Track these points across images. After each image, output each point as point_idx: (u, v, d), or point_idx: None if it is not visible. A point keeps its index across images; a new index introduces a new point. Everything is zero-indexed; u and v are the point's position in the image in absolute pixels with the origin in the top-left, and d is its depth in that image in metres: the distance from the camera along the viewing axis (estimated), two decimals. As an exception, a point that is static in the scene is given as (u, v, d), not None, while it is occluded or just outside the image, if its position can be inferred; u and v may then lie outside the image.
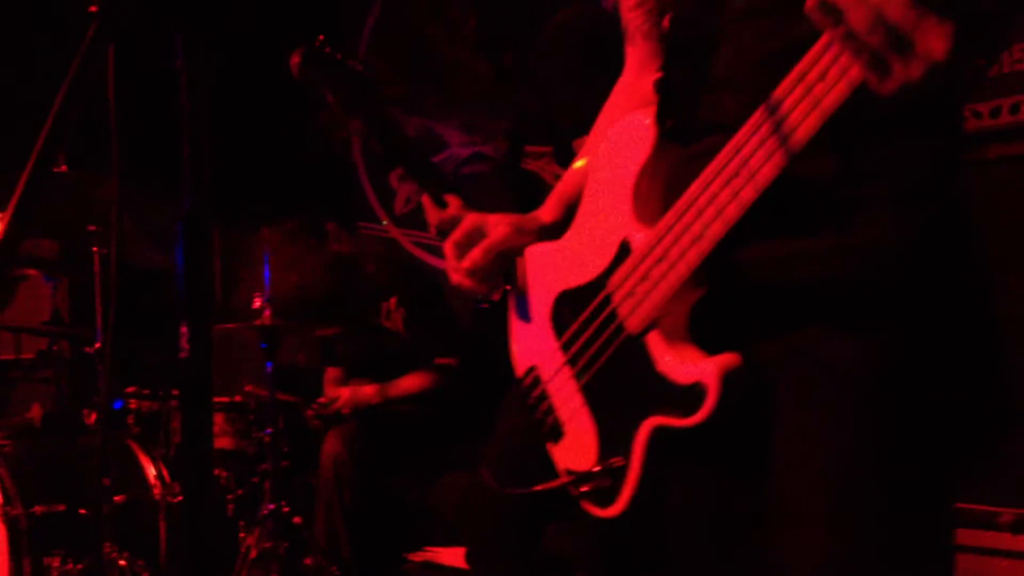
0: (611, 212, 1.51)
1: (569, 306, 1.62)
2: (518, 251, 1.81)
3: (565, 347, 1.63)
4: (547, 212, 1.85)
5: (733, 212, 1.28)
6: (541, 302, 1.72)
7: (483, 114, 5.52)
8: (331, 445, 4.23)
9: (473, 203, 1.91)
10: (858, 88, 1.10)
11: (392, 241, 5.93)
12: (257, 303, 4.26)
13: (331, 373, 4.82)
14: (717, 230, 1.30)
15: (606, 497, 1.55)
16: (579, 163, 1.88)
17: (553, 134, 3.40)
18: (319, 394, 4.70)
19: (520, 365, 1.79)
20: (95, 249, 3.70)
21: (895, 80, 1.05)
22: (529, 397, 1.74)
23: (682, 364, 1.39)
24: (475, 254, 1.77)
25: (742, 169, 1.25)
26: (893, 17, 1.01)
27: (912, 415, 1.32)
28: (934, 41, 1.00)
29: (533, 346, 1.74)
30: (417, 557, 4.23)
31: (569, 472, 1.64)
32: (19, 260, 3.98)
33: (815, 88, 1.15)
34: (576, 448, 1.63)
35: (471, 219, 1.80)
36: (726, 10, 1.41)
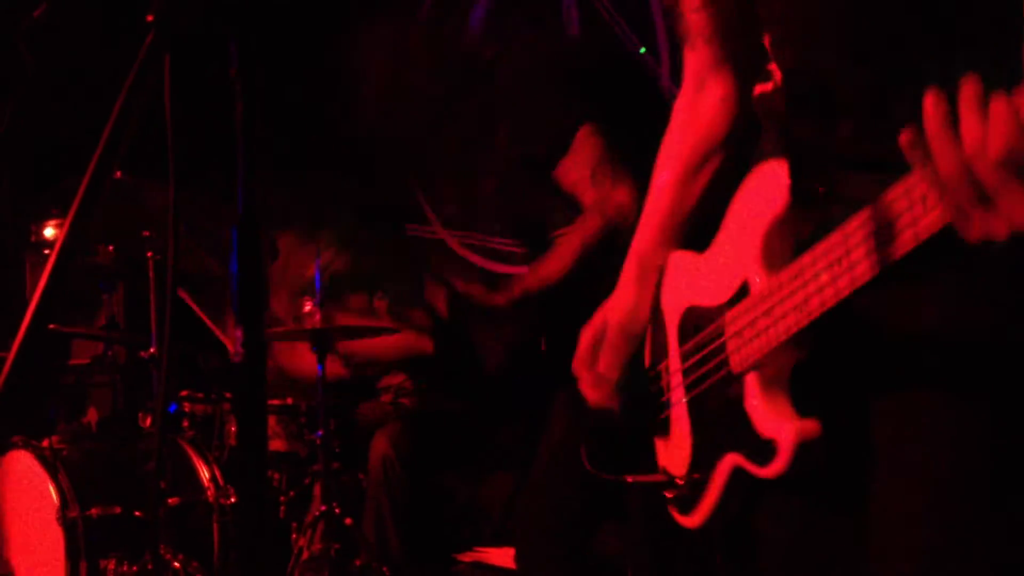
0: (741, 250, 1.52)
1: (693, 323, 1.64)
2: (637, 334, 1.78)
3: (684, 358, 1.65)
4: (625, 290, 1.79)
5: (830, 296, 1.28)
6: (673, 308, 1.72)
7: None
8: (379, 446, 4.23)
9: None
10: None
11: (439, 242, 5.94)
12: (307, 307, 4.29)
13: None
14: (814, 306, 1.30)
15: (688, 506, 1.59)
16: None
17: (534, 173, 3.33)
18: (369, 398, 4.71)
19: (649, 359, 1.78)
20: (150, 255, 3.75)
21: (978, 231, 1.03)
22: (651, 388, 1.74)
23: (765, 415, 1.42)
24: (604, 355, 1.75)
25: (844, 259, 1.24)
26: (979, 174, 1.00)
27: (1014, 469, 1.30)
28: (1017, 207, 0.99)
29: (661, 346, 1.74)
30: (466, 557, 4.25)
31: (665, 472, 1.68)
32: (77, 266, 4.04)
33: (915, 208, 1.12)
34: (674, 450, 1.67)
35: (584, 335, 1.78)
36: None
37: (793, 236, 1.44)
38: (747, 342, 1.45)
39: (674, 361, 1.68)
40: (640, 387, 1.78)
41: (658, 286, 1.77)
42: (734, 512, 1.53)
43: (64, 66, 4.95)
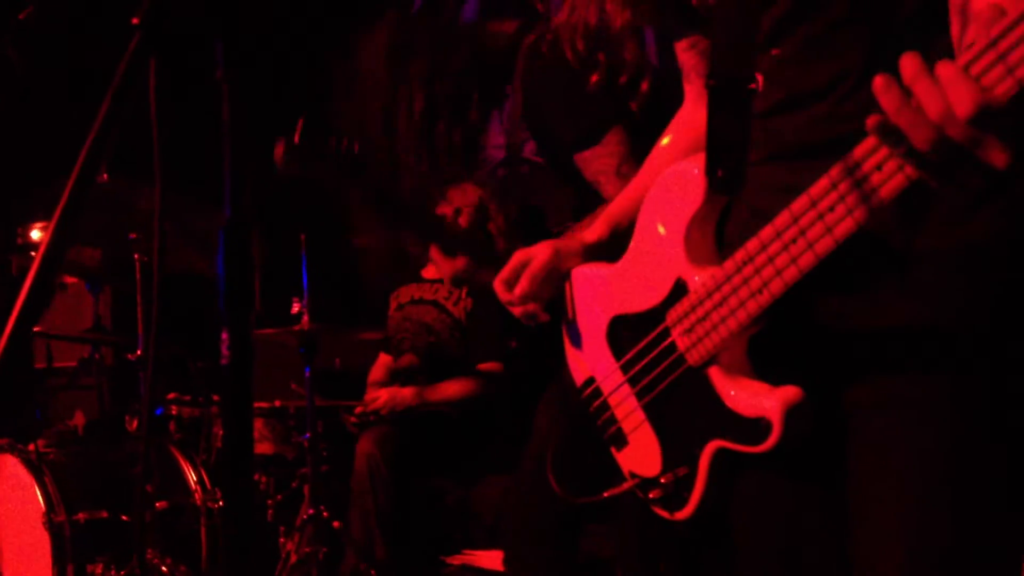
0: (664, 251, 1.58)
1: (626, 330, 1.69)
2: (565, 274, 1.88)
3: (625, 368, 1.69)
4: (592, 232, 1.91)
5: (791, 274, 1.33)
6: (595, 322, 1.78)
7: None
8: (364, 446, 4.21)
9: (533, 198, 1.97)
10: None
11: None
12: (295, 308, 4.28)
13: (374, 374, 4.82)
14: (777, 287, 1.36)
15: (675, 502, 1.61)
16: (630, 185, 1.93)
17: (549, 152, 3.31)
18: (359, 398, 4.70)
19: (578, 377, 1.85)
20: (136, 256, 3.74)
21: (956, 183, 1.10)
22: (590, 406, 1.80)
23: (746, 399, 1.44)
24: (522, 282, 1.87)
25: (803, 236, 1.30)
26: (954, 136, 1.05)
27: (992, 456, 1.33)
28: (995, 155, 1.04)
29: (590, 361, 1.81)
30: (455, 560, 4.24)
31: (633, 475, 1.70)
32: (63, 268, 4.03)
33: (872, 177, 1.19)
34: (640, 456, 1.69)
35: (516, 255, 1.89)
36: (761, 54, 1.45)
37: (711, 228, 1.53)
38: (703, 336, 1.49)
39: (614, 374, 1.71)
40: (578, 408, 1.83)
41: (572, 305, 1.86)
42: (721, 496, 1.56)
43: (51, 68, 4.94)
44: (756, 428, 1.42)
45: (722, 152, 1.45)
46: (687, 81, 1.85)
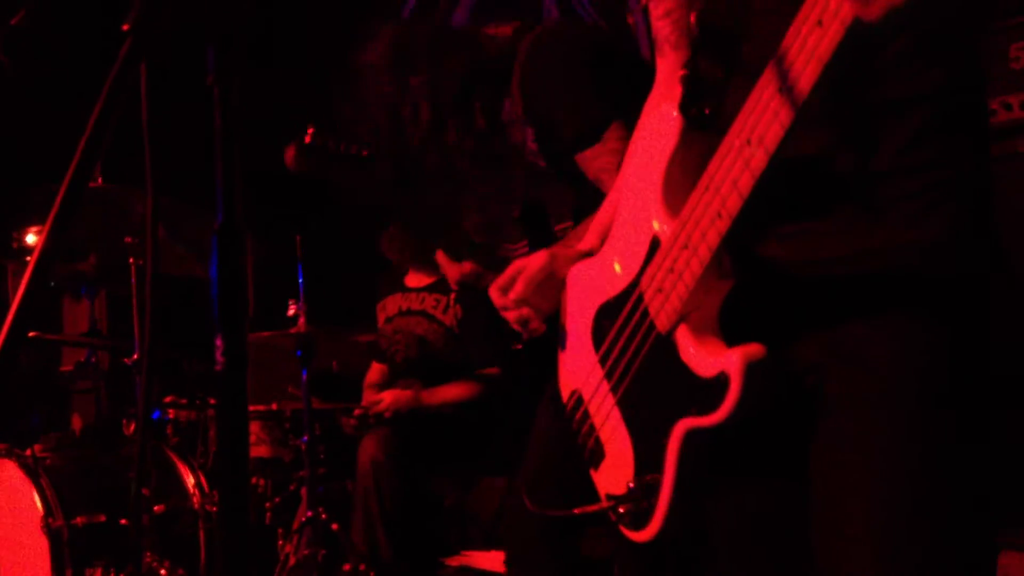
0: (643, 211, 1.48)
1: (607, 318, 1.59)
2: (561, 281, 1.83)
3: (603, 360, 1.60)
4: (584, 243, 1.86)
5: (746, 182, 1.24)
6: (582, 321, 1.69)
7: None
8: (368, 449, 4.21)
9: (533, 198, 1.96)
10: (855, 33, 1.09)
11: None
12: (291, 311, 4.28)
13: (370, 377, 4.82)
14: (734, 204, 1.26)
15: (640, 519, 1.50)
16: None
17: (550, 152, 3.30)
18: (356, 400, 4.70)
19: (564, 391, 1.77)
20: (131, 261, 3.73)
21: (880, 5, 1.04)
22: (573, 422, 1.72)
23: (706, 356, 1.34)
24: (517, 285, 1.82)
25: (752, 136, 1.22)
26: None
27: (955, 418, 1.31)
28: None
29: (576, 368, 1.72)
30: (454, 561, 4.24)
31: (609, 497, 1.60)
32: (57, 273, 4.02)
33: (811, 36, 1.13)
34: (615, 469, 1.59)
35: (513, 264, 1.86)
36: (752, 5, 1.40)
37: (690, 174, 1.41)
38: (670, 291, 1.38)
39: (594, 373, 1.63)
40: (562, 426, 1.77)
41: (564, 310, 1.80)
42: (687, 513, 1.46)
43: (43, 72, 4.93)
44: (715, 389, 1.30)
45: (700, 92, 1.38)
46: (660, 55, 1.75)
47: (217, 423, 3.99)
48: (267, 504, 4.42)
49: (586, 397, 1.67)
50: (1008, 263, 1.37)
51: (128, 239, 3.70)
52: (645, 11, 1.72)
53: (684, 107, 1.39)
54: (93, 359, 4.52)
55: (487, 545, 4.15)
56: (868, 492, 1.31)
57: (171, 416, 4.39)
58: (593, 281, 1.67)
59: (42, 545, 3.49)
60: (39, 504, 3.51)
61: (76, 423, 4.61)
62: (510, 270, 1.86)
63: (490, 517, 4.29)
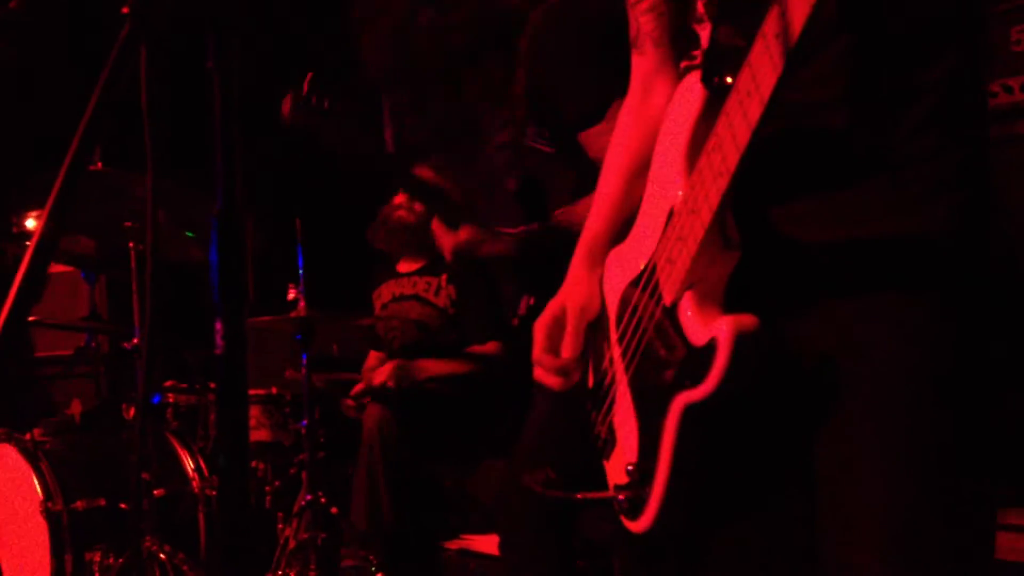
0: (667, 183, 1.44)
1: (629, 297, 1.55)
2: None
3: (620, 340, 1.56)
4: (586, 232, 1.77)
5: (744, 134, 1.20)
6: (612, 304, 1.64)
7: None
8: (374, 414, 4.19)
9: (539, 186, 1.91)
10: None
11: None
12: (291, 295, 4.28)
13: (368, 365, 4.82)
14: (732, 159, 1.22)
15: (637, 506, 1.48)
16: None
17: (553, 130, 3.27)
18: (356, 381, 4.69)
19: (592, 379, 1.72)
20: (131, 245, 3.73)
21: None
22: (593, 412, 1.69)
23: (701, 324, 1.31)
24: (567, 341, 1.70)
25: (751, 86, 1.18)
26: None
27: (963, 405, 1.31)
28: None
29: (602, 359, 1.67)
30: (453, 544, 4.25)
31: (617, 488, 1.56)
32: (57, 257, 4.02)
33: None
34: (622, 455, 1.57)
35: (538, 325, 1.72)
36: None
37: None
38: (676, 257, 1.34)
39: (615, 355, 1.59)
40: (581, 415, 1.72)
41: (602, 292, 1.71)
42: (686, 504, 1.43)
43: (42, 56, 4.92)
44: (705, 357, 1.27)
45: (725, 59, 1.31)
46: (638, 52, 1.69)
47: (216, 408, 3.99)
48: (267, 488, 4.43)
49: (605, 385, 1.64)
50: (1011, 247, 1.37)
51: (128, 223, 3.69)
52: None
53: (706, 77, 1.35)
54: (93, 344, 4.53)
55: (487, 529, 4.16)
56: (878, 479, 1.30)
57: (171, 400, 4.39)
58: (624, 262, 1.62)
59: (42, 529, 3.50)
60: (39, 488, 3.52)
61: (76, 408, 4.60)
62: (543, 330, 1.72)
63: (491, 500, 4.29)
